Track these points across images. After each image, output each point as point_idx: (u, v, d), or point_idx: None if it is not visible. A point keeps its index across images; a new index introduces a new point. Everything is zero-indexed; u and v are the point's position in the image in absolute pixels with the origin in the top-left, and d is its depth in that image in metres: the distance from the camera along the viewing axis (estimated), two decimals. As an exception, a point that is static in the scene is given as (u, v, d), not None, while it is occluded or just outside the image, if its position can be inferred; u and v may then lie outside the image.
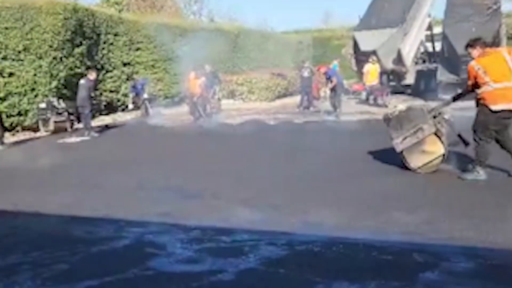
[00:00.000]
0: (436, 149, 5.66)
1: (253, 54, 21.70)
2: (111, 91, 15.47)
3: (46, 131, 12.06)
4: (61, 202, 5.37)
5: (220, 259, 3.48)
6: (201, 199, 5.22)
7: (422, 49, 18.00)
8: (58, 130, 11.92)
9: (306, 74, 15.13)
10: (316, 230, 4.02)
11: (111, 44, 15.45)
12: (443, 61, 15.09)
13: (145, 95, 14.80)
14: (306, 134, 10.19)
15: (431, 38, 18.48)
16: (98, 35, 14.87)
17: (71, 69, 13.20)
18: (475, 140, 5.40)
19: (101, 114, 14.78)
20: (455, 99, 5.86)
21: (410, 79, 16.69)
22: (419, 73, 16.82)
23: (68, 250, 3.78)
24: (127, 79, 15.95)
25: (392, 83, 17.29)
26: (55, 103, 12.16)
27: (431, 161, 5.72)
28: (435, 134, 5.64)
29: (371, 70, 15.01)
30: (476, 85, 5.31)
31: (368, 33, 16.05)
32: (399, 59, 16.05)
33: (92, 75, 11.44)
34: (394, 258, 3.40)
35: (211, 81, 14.14)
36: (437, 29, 17.47)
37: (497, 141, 5.41)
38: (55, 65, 12.69)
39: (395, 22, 15.73)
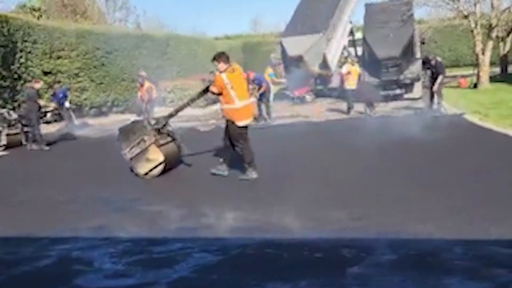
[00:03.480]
0: (157, 156, 6.47)
1: (184, 61, 21.51)
2: (31, 102, 14.56)
3: None
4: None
5: (152, 270, 3.40)
6: (133, 211, 5.07)
7: (345, 54, 18.85)
8: (12, 144, 10.75)
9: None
10: (249, 233, 4.05)
11: (29, 52, 14.58)
12: (364, 65, 15.88)
13: (67, 104, 14.09)
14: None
15: (353, 43, 19.41)
16: (14, 43, 13.97)
17: (-16, 79, 12.28)
18: (237, 146, 6.06)
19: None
20: (178, 110, 6.95)
21: (335, 83, 17.38)
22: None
23: (-15, 274, 3.51)
24: (49, 89, 15.12)
25: (319, 87, 17.93)
26: (6, 114, 11.06)
27: (155, 167, 6.50)
28: (155, 144, 6.46)
29: (352, 71, 13.29)
30: (221, 96, 5.98)
31: (294, 39, 16.50)
32: (324, 64, 16.67)
33: (36, 84, 10.72)
34: (325, 254, 3.52)
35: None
36: (358, 35, 18.40)
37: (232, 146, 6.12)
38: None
39: (319, 28, 16.31)
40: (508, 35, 20.27)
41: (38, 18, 19.52)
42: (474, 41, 17.66)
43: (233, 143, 6.10)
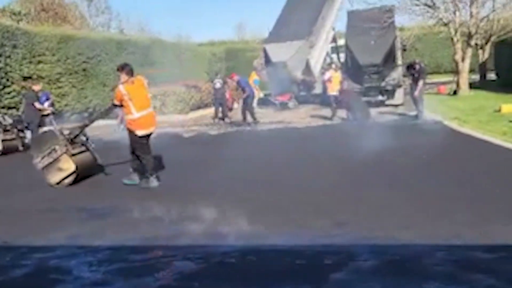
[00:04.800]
0: (69, 166, 6.56)
1: (167, 66, 21.39)
2: (9, 108, 14.29)
3: None
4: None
5: (132, 279, 3.35)
6: (113, 218, 5.00)
7: (328, 60, 19.02)
8: (8, 150, 10.42)
9: (218, 85, 15.21)
10: (231, 240, 4.02)
11: (8, 57, 14.34)
12: (347, 71, 16.04)
13: (51, 108, 13.81)
14: (220, 145, 10.23)
15: (336, 50, 19.62)
16: (-7, 47, 13.73)
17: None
18: (138, 156, 6.28)
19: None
20: (91, 121, 7.14)
21: (318, 89, 17.51)
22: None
23: (-42, 285, 3.41)
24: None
25: (302, 93, 18.04)
26: (0, 119, 10.74)
27: (67, 177, 6.58)
28: (67, 153, 6.55)
29: (334, 78, 13.61)
30: (123, 107, 6.25)
31: (278, 45, 16.60)
32: (307, 70, 16.79)
33: (36, 86, 10.46)
34: (307, 261, 3.51)
35: None
36: (341, 41, 18.59)
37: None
38: None
39: (302, 35, 16.45)
40: (486, 43, 20.72)
41: (18, 22, 19.23)
42: (454, 48, 18.00)
43: (134, 153, 6.30)
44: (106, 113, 7.89)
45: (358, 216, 4.51)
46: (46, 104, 12.76)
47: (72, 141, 6.73)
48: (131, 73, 6.18)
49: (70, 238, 4.36)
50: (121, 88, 6.10)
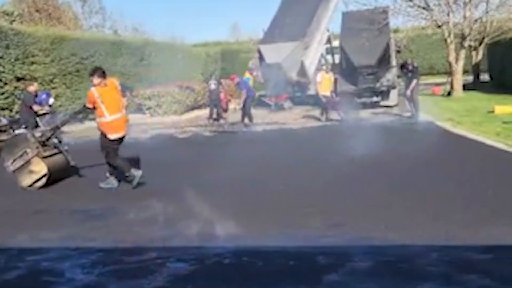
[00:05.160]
0: (40, 168, 6.55)
1: (161, 67, 21.34)
2: (2, 109, 14.19)
3: None
4: None
5: (125, 281, 3.33)
6: (106, 220, 4.96)
7: (322, 61, 19.05)
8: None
9: (213, 86, 15.17)
10: (225, 241, 4.01)
11: (1, 57, 14.23)
12: (342, 73, 16.07)
13: (48, 108, 13.66)
14: (215, 146, 10.21)
15: (330, 51, 19.65)
16: (-15, 48, 13.63)
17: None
18: (108, 163, 6.34)
19: None
20: (62, 123, 7.13)
21: (313, 90, 17.52)
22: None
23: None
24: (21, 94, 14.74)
25: (297, 94, 18.04)
26: None
27: (39, 179, 6.56)
28: (38, 156, 6.54)
29: (324, 80, 13.58)
30: (95, 110, 6.22)
31: (272, 46, 16.59)
32: (302, 71, 16.80)
33: (31, 87, 10.34)
34: (301, 262, 3.50)
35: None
36: (336, 43, 18.62)
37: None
38: None
39: (297, 36, 16.45)
40: (480, 45, 20.82)
41: (11, 23, 19.11)
42: (448, 50, 18.08)
43: (105, 155, 6.32)
44: (76, 116, 7.91)
45: (352, 217, 4.50)
46: (51, 100, 12.63)
47: (44, 144, 6.69)
48: (103, 75, 6.19)
49: (63, 239, 4.33)
50: (93, 90, 6.11)
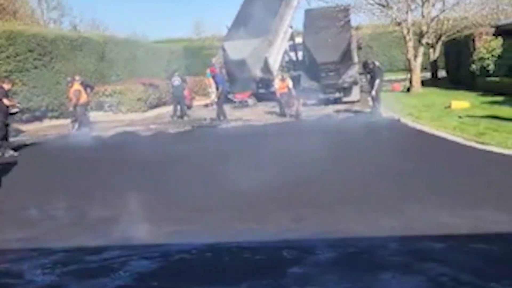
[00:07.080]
0: None
1: (123, 64, 20.89)
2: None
3: None
4: None
5: (87, 280, 3.26)
6: (67, 219, 4.84)
7: (286, 58, 19.17)
8: None
9: (176, 82, 14.98)
10: (190, 238, 3.99)
11: (-48, 53, 13.56)
12: (305, 69, 16.24)
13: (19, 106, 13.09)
14: (179, 143, 10.11)
15: (294, 48, 19.81)
16: None
17: None
18: None
19: None
20: None
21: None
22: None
23: None
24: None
25: (261, 90, 18.09)
26: None
27: None
28: None
29: (280, 85, 13.84)
30: None
31: (236, 43, 16.57)
32: (266, 68, 16.86)
33: (5, 85, 9.78)
34: (266, 256, 3.54)
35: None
36: (299, 39, 18.80)
37: None
38: None
39: (261, 33, 16.50)
40: (437, 42, 21.53)
41: (-38, 17, 18.22)
42: (407, 47, 18.58)
43: None
44: None
45: (316, 211, 4.58)
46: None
47: None
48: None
49: (21, 240, 4.19)
50: None
